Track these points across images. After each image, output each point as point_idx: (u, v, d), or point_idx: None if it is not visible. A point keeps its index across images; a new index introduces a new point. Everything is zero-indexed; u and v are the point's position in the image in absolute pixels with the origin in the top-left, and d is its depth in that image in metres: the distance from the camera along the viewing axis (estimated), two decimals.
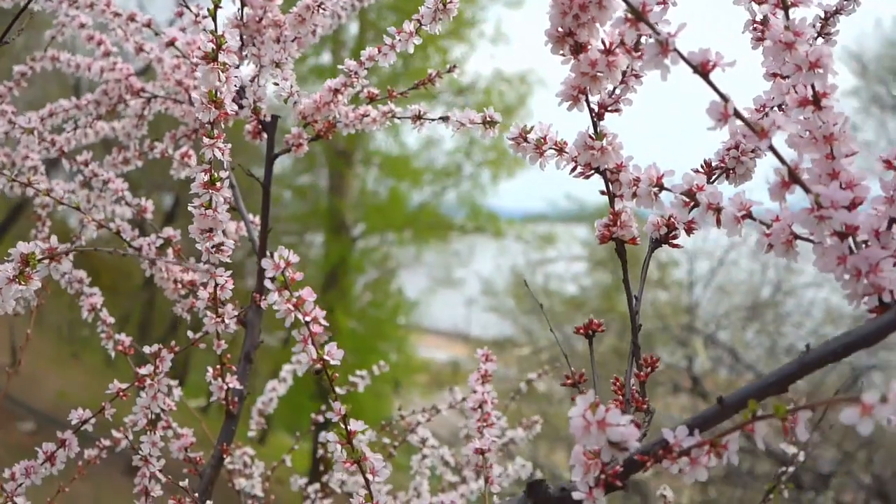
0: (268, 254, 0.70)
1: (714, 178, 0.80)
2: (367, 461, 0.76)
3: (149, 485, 1.07)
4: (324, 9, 1.07)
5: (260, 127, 1.15)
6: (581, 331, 0.79)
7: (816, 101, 0.63)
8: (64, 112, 1.36)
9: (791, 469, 1.24)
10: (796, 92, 0.64)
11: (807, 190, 0.60)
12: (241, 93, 1.11)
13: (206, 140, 0.86)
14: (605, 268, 11.31)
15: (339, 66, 1.06)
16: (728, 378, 6.92)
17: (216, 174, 0.89)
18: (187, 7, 1.13)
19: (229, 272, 1.01)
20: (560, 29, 0.68)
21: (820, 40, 0.84)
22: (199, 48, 0.82)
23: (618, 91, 0.73)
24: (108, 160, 1.37)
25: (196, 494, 1.08)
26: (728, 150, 0.80)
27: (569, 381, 0.79)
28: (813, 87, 0.63)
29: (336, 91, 1.08)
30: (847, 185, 0.62)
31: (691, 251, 8.37)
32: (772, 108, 0.77)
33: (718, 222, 0.67)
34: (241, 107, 1.08)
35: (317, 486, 1.52)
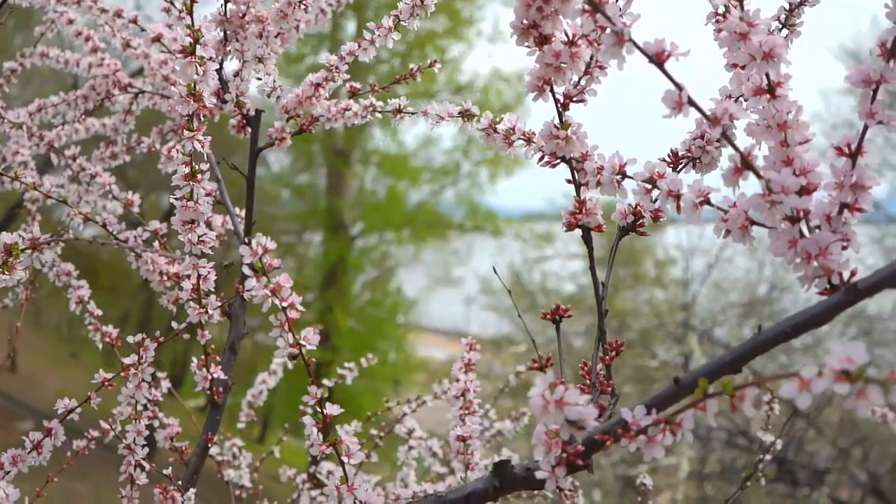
0: (245, 241, 0.72)
1: (680, 167, 0.82)
2: (342, 444, 0.78)
3: (134, 473, 1.09)
4: (305, 5, 1.09)
5: (244, 121, 1.17)
6: (548, 316, 0.81)
7: (771, 90, 0.65)
8: (53, 107, 1.38)
9: (768, 457, 1.26)
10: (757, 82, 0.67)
11: (759, 176, 0.62)
12: (225, 87, 1.13)
13: (185, 132, 0.87)
14: (602, 266, 11.32)
15: (309, 58, 1.08)
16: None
17: (197, 166, 0.91)
18: (172, 4, 1.14)
19: (212, 264, 1.03)
20: (525, 21, 0.70)
21: (785, 31, 0.86)
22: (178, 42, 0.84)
23: (583, 82, 0.75)
24: (95, 155, 1.39)
25: (180, 482, 1.10)
26: (694, 139, 0.82)
27: (536, 366, 0.81)
28: (768, 76, 0.65)
29: (318, 86, 1.10)
30: (801, 171, 0.64)
31: (687, 248, 8.39)
32: (736, 98, 0.78)
33: (678, 209, 0.69)
34: (224, 101, 1.10)
35: (304, 475, 1.55)
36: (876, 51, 0.64)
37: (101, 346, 1.22)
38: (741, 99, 0.76)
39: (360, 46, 1.07)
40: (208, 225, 1.01)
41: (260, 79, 1.11)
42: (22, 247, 0.76)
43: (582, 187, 0.76)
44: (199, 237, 0.96)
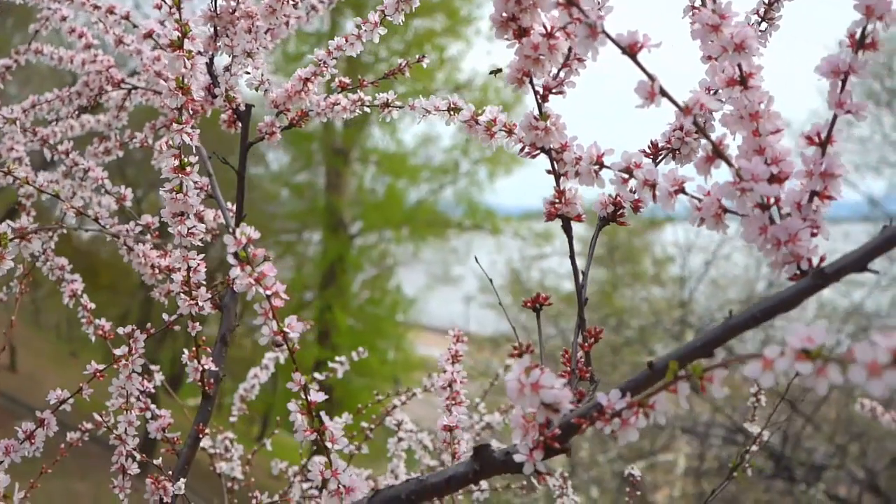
0: (229, 230, 0.73)
1: (660, 158, 0.83)
2: (326, 430, 0.79)
3: (125, 463, 1.11)
4: (294, 1, 1.10)
5: (235, 116, 1.19)
6: (528, 304, 0.82)
7: (743, 80, 0.67)
8: (47, 104, 1.39)
9: (755, 448, 1.27)
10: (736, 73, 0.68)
11: (729, 164, 0.64)
12: (216, 82, 1.15)
13: (174, 125, 0.89)
14: (601, 265, 11.35)
15: (309, 56, 1.09)
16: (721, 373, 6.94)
17: (186, 158, 0.92)
18: (163, 0, 1.15)
19: (202, 256, 1.04)
20: (504, 14, 0.72)
21: (764, 25, 0.87)
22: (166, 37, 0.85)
23: (562, 74, 0.77)
24: (89, 150, 1.40)
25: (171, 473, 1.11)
26: (673, 131, 0.83)
27: (515, 353, 0.82)
28: (740, 67, 0.67)
29: (306, 80, 1.11)
30: (772, 160, 0.66)
31: (684, 246, 8.41)
32: (715, 90, 0.80)
33: (654, 198, 0.71)
34: (214, 96, 1.12)
35: (296, 468, 1.56)
36: (846, 42, 0.65)
37: (94, 338, 1.23)
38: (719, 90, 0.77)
39: (347, 41, 1.08)
40: (199, 218, 1.03)
41: (248, 73, 1.12)
42: (10, 236, 0.77)
43: (561, 177, 0.78)
44: (188, 229, 0.97)
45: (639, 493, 1.35)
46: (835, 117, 0.64)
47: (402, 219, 11.56)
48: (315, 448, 0.80)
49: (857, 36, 0.64)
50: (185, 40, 0.86)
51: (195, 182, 0.95)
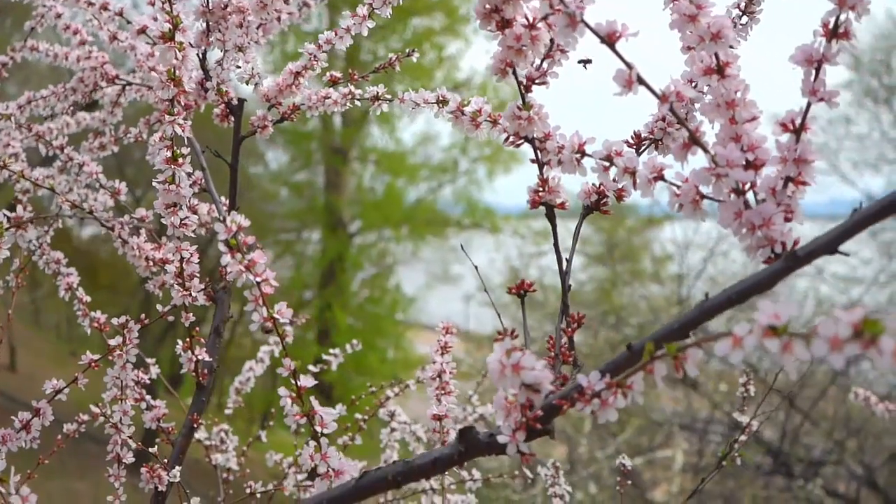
0: (220, 217, 0.74)
1: (643, 148, 0.85)
2: (316, 414, 0.80)
3: (121, 452, 1.13)
4: None
5: (227, 110, 1.20)
6: (513, 291, 0.84)
7: (720, 69, 0.68)
8: (43, 100, 1.41)
9: (743, 437, 1.29)
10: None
11: (705, 150, 0.65)
12: (208, 77, 1.16)
13: (167, 116, 0.90)
14: (600, 263, 11.37)
15: (300, 50, 1.11)
16: (719, 369, 6.98)
17: (178, 150, 0.94)
18: None
19: (195, 247, 1.06)
20: (487, 5, 0.73)
21: (745, 18, 0.88)
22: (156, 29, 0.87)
23: (545, 65, 0.78)
24: (84, 145, 1.42)
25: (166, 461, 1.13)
26: (656, 121, 0.85)
27: (499, 337, 0.84)
28: (717, 56, 0.68)
29: (297, 74, 1.13)
30: (749, 147, 0.67)
31: (682, 243, 8.43)
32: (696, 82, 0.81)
33: (634, 185, 0.72)
34: (206, 90, 1.13)
35: (290, 459, 1.58)
36: (820, 31, 0.67)
37: (89, 331, 1.25)
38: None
39: (337, 35, 1.10)
40: (193, 211, 1.05)
41: (240, 67, 1.14)
42: (6, 226, 0.79)
43: (545, 166, 0.79)
44: (181, 220, 0.99)
45: (630, 482, 1.36)
46: (808, 105, 0.66)
47: (402, 217, 11.57)
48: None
49: (831, 26, 0.66)
50: (177, 32, 0.87)
51: (188, 173, 0.96)
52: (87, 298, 1.29)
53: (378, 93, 1.13)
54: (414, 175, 11.89)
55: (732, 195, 0.65)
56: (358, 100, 1.15)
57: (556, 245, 0.81)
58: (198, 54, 1.15)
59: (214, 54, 1.24)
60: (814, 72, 0.65)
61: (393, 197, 11.61)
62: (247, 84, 1.13)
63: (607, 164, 0.74)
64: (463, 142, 11.67)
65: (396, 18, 10.87)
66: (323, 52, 1.12)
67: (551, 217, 0.81)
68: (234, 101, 1.19)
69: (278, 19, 1.18)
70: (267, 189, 12.05)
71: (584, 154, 0.76)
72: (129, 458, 1.13)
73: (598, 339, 8.41)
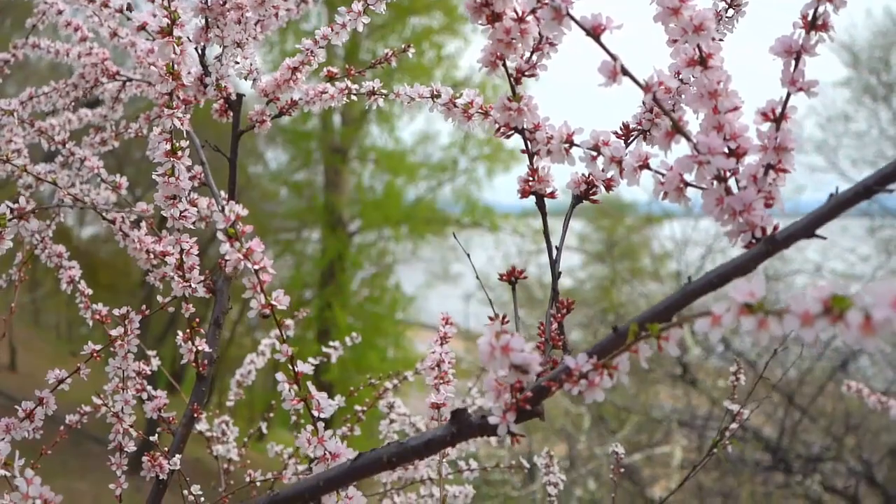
0: (218, 207, 0.77)
1: (631, 139, 0.87)
2: (312, 398, 0.83)
3: (122, 440, 1.15)
4: None
5: (226, 105, 1.22)
6: (505, 278, 0.86)
7: (703, 61, 0.70)
8: (44, 96, 1.43)
9: (736, 426, 1.31)
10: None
11: (688, 139, 0.67)
12: (207, 72, 1.18)
13: (165, 110, 0.92)
14: (600, 261, 11.39)
15: (297, 45, 1.13)
16: (719, 366, 7.00)
17: (177, 143, 0.96)
18: None
19: (195, 239, 1.08)
20: (478, 0, 0.75)
21: (731, 11, 0.91)
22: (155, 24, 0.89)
23: (534, 58, 0.80)
24: (85, 140, 1.44)
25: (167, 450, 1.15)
26: (644, 113, 0.87)
27: (490, 321, 0.86)
28: (699, 48, 0.70)
29: (294, 69, 1.15)
30: (731, 136, 0.69)
31: (681, 241, 8.45)
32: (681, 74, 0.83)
33: (621, 173, 0.74)
34: (206, 86, 1.15)
35: (290, 450, 1.60)
36: (799, 23, 0.69)
37: (91, 322, 1.27)
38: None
39: (332, 30, 1.12)
40: (192, 203, 1.07)
41: (238, 62, 1.16)
42: (9, 216, 0.81)
43: (535, 156, 0.81)
44: (180, 212, 1.01)
45: (623, 469, 1.39)
46: (788, 94, 0.68)
47: (401, 216, 11.59)
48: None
49: (809, 17, 0.68)
50: (174, 27, 0.89)
51: (187, 167, 0.98)
52: (89, 291, 1.31)
53: (374, 88, 1.15)
54: (413, 174, 11.91)
55: (715, 182, 0.67)
56: (355, 95, 1.17)
57: (546, 233, 0.83)
58: (197, 50, 1.17)
59: (213, 51, 1.27)
60: (793, 62, 0.68)
61: (392, 196, 11.63)
62: (245, 79, 1.16)
63: (595, 153, 0.76)
64: (462, 140, 11.70)
65: (395, 17, 10.90)
66: (320, 47, 1.14)
67: (541, 206, 0.83)
68: (233, 97, 1.21)
69: (276, 16, 1.20)
70: (266, 188, 12.08)
71: (572, 144, 0.78)
72: (131, 447, 1.15)
73: (597, 336, 8.43)
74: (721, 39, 0.88)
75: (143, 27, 1.24)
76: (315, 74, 1.23)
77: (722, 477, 6.51)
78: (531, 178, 0.81)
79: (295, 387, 0.82)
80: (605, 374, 0.66)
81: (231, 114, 1.23)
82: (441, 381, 1.18)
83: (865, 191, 0.60)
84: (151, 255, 1.23)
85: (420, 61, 10.85)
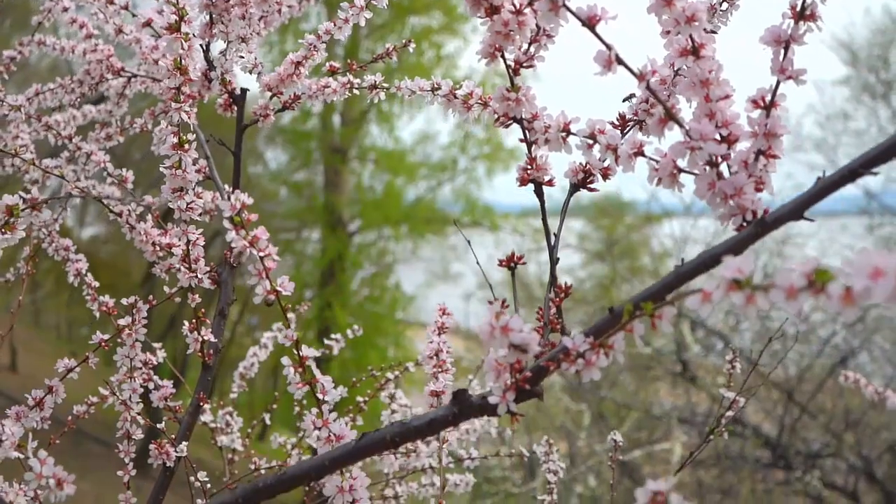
0: (225, 195, 0.79)
1: (628, 129, 0.89)
2: (317, 382, 0.85)
3: (130, 429, 1.17)
4: None
5: (230, 100, 1.25)
6: (504, 263, 0.88)
7: (695, 51, 0.73)
8: (50, 92, 1.45)
9: (731, 413, 1.33)
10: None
11: (681, 125, 0.69)
12: (212, 67, 1.21)
13: (173, 104, 0.95)
14: (600, 260, 11.41)
15: (300, 41, 1.15)
16: (718, 364, 7.02)
17: (184, 136, 0.98)
18: None
19: (200, 230, 1.10)
20: None
21: (724, 5, 0.93)
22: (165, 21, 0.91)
23: (532, 49, 0.82)
24: (91, 136, 1.46)
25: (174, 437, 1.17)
26: (640, 103, 0.89)
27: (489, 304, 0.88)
28: (692, 38, 0.73)
29: (297, 63, 1.17)
30: (723, 123, 0.72)
31: (680, 238, 8.47)
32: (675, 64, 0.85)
33: (617, 160, 0.77)
34: (210, 81, 1.17)
35: (294, 440, 1.62)
36: (788, 13, 0.71)
37: (98, 314, 1.29)
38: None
39: (335, 25, 1.14)
40: (198, 195, 1.09)
41: (243, 57, 1.18)
42: (22, 207, 0.83)
43: (533, 145, 0.84)
44: (187, 204, 1.03)
45: (621, 457, 1.41)
46: (777, 83, 0.70)
47: (401, 216, 11.62)
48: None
49: (798, 8, 0.70)
50: (182, 23, 0.92)
51: (193, 159, 1.01)
52: (96, 284, 1.33)
53: (376, 81, 1.18)
54: (413, 174, 11.94)
55: (707, 167, 0.69)
56: (357, 89, 1.20)
57: (544, 220, 0.85)
58: (201, 46, 1.20)
59: (217, 48, 1.29)
60: (782, 51, 0.70)
61: (392, 196, 11.66)
62: (250, 73, 1.18)
63: (591, 141, 0.78)
64: (462, 140, 11.73)
65: (395, 17, 10.93)
66: (322, 42, 1.17)
67: (539, 193, 0.85)
68: (237, 91, 1.24)
69: (279, 11, 1.22)
70: (266, 188, 12.10)
71: (569, 132, 0.80)
72: (139, 434, 1.17)
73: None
74: (715, 32, 0.91)
75: (148, 23, 1.26)
76: (316, 72, 1.25)
77: (722, 474, 6.53)
78: (530, 167, 0.83)
79: (300, 370, 0.85)
80: (601, 353, 0.68)
81: (235, 108, 1.26)
82: (440, 370, 1.20)
83: (851, 174, 0.62)
84: (157, 247, 1.25)
85: (420, 61, 10.88)
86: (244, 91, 1.24)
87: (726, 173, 0.71)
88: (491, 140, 11.59)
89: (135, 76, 1.45)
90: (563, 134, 0.80)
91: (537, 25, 0.80)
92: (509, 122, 0.83)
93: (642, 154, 0.75)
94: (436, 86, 1.06)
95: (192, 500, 1.16)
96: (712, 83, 0.72)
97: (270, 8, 1.18)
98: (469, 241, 1.02)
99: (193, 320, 1.19)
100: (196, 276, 1.12)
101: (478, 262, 1.19)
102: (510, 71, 0.82)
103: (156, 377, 1.28)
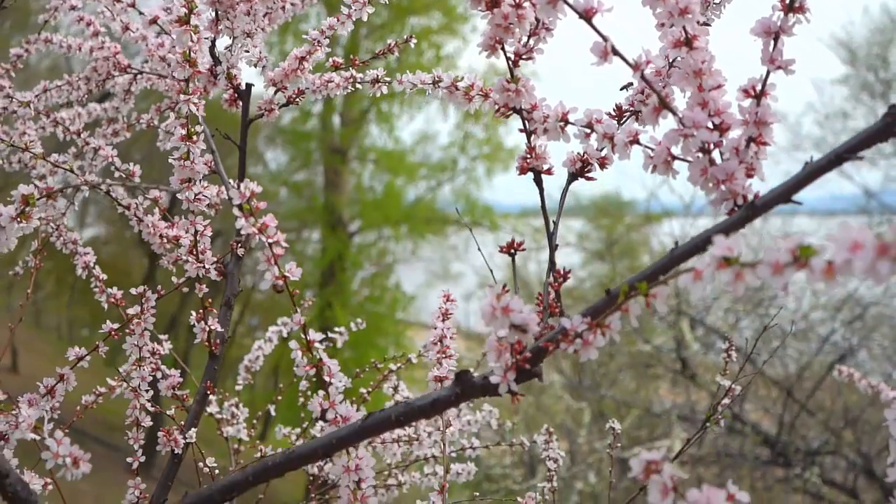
0: (234, 183, 0.81)
1: (624, 119, 0.92)
2: (324, 365, 0.87)
3: (139, 416, 1.20)
4: None
5: (236, 95, 1.27)
6: (504, 250, 0.91)
7: (688, 42, 0.75)
8: (57, 89, 1.48)
9: (727, 402, 1.36)
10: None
11: (674, 113, 0.72)
12: (217, 63, 1.23)
13: (182, 96, 0.97)
14: (600, 259, 11.44)
15: (304, 37, 1.18)
16: (718, 361, 7.05)
17: (192, 128, 1.01)
18: None
19: (208, 222, 1.13)
20: None
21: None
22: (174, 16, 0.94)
23: (531, 42, 0.85)
24: (98, 132, 1.49)
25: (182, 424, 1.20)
26: (636, 94, 0.92)
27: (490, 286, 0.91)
28: (685, 30, 0.75)
29: (301, 59, 1.20)
30: (715, 112, 0.74)
31: (680, 238, 8.49)
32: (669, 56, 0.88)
33: (613, 149, 0.79)
34: (216, 76, 1.20)
35: (297, 430, 1.65)
36: (777, 5, 0.74)
37: (106, 306, 1.32)
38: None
39: (338, 20, 1.17)
40: (204, 187, 1.11)
41: (248, 52, 1.21)
42: (37, 196, 0.86)
43: (532, 135, 0.86)
44: (195, 194, 1.06)
45: (620, 445, 1.43)
46: (767, 72, 0.73)
47: (401, 216, 11.64)
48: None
49: (787, 0, 0.73)
50: (192, 16, 0.94)
51: (201, 150, 1.03)
52: (104, 276, 1.36)
53: (378, 76, 1.20)
54: (413, 174, 11.96)
55: (699, 154, 0.72)
56: (359, 83, 1.22)
57: (543, 208, 0.88)
58: (207, 42, 1.22)
59: (222, 45, 1.32)
60: (772, 42, 0.72)
61: (392, 196, 11.68)
62: (254, 66, 1.21)
63: (588, 130, 0.81)
64: (462, 140, 11.76)
65: (394, 17, 10.96)
66: (326, 37, 1.19)
67: (539, 182, 0.88)
68: (243, 86, 1.26)
69: (283, 8, 1.25)
70: (266, 189, 12.12)
71: (567, 122, 0.83)
72: (147, 422, 1.20)
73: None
74: (708, 24, 0.93)
75: (154, 21, 1.29)
76: (319, 69, 1.28)
77: (721, 471, 6.55)
78: (529, 156, 0.86)
79: (308, 354, 0.87)
80: (598, 333, 0.71)
81: (240, 103, 1.28)
82: (443, 356, 1.23)
83: (837, 158, 0.65)
84: (165, 240, 1.28)
85: (419, 61, 10.91)
86: (249, 86, 1.26)
87: (718, 160, 0.74)
88: (490, 140, 11.63)
89: (141, 73, 1.48)
90: (562, 123, 0.83)
91: (536, 18, 0.83)
92: (509, 113, 0.86)
93: (638, 142, 0.78)
94: (437, 79, 1.09)
95: (199, 484, 1.19)
96: (705, 73, 0.74)
97: (275, 4, 1.21)
98: (472, 231, 1.04)
99: (200, 310, 1.21)
100: (203, 267, 1.14)
101: (481, 252, 1.22)
102: (510, 63, 0.84)
103: (164, 367, 1.31)
